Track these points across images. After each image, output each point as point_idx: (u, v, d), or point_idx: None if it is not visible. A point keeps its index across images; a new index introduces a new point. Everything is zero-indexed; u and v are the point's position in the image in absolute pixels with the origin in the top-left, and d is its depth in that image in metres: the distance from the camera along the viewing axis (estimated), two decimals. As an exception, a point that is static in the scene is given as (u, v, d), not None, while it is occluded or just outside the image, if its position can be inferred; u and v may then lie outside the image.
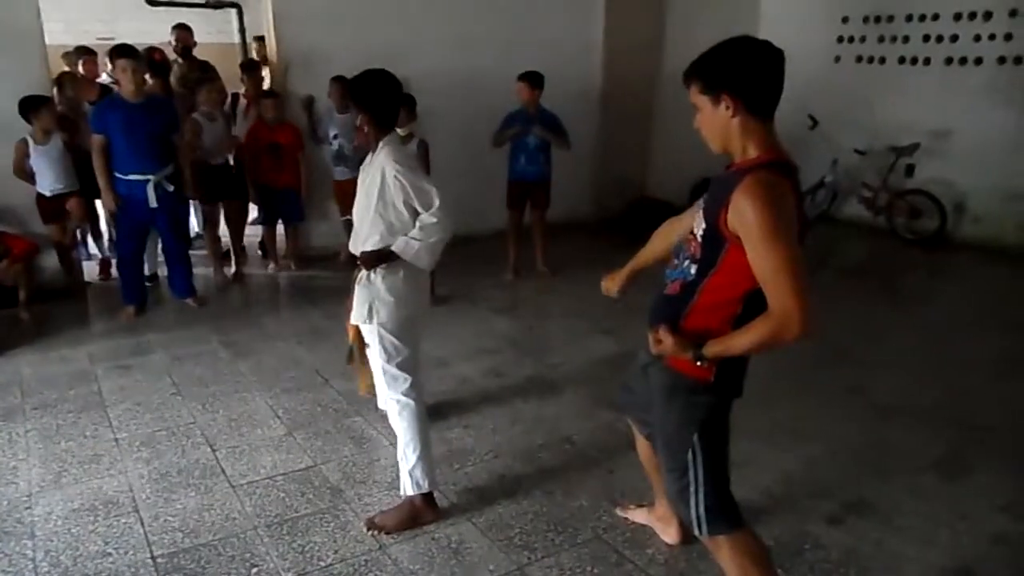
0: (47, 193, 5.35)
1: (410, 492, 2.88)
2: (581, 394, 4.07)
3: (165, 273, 5.66)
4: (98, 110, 5.02)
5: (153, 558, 2.70)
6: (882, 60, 7.46)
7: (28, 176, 5.30)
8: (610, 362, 4.48)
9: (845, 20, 7.71)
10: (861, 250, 7.33)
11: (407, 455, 2.89)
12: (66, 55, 6.88)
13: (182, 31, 6.41)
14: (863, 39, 7.61)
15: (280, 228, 6.44)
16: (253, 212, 6.43)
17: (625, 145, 7.89)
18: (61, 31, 8.48)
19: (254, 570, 2.64)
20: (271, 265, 6.36)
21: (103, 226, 6.21)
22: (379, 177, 2.79)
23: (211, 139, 5.66)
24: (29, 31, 5.34)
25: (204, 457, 3.40)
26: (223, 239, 6.20)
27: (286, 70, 6.40)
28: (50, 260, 5.61)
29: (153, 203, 4.98)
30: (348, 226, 6.45)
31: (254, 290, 6.06)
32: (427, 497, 2.92)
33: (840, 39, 7.79)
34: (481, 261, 6.29)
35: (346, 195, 6.27)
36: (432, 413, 3.73)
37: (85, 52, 6.57)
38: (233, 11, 9.80)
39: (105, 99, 5.29)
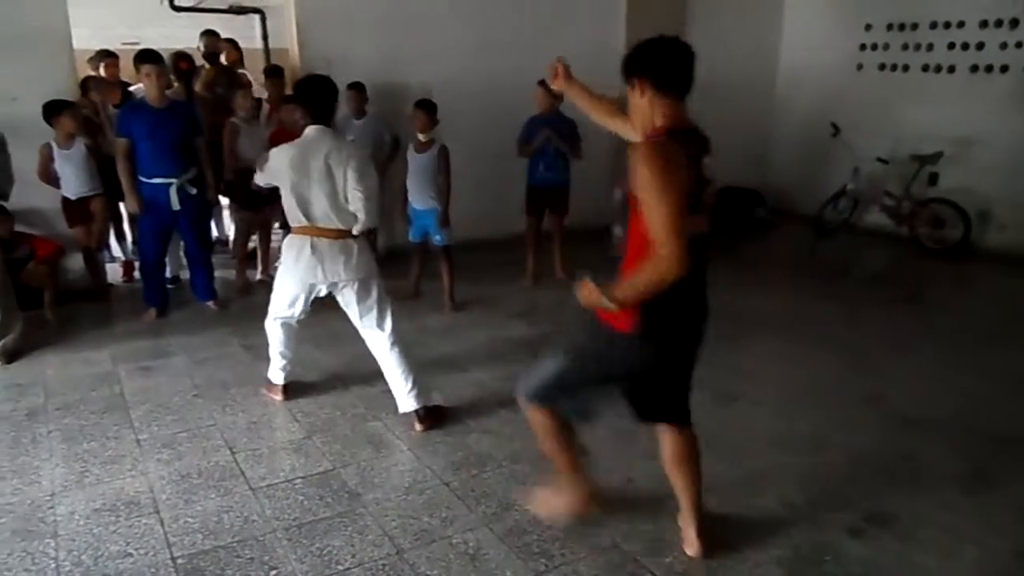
0: (72, 197, 5.42)
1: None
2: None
3: (187, 276, 5.71)
4: (123, 114, 5.09)
5: (173, 559, 2.72)
6: (905, 68, 7.41)
7: (53, 180, 5.38)
8: (629, 369, 4.47)
9: (868, 28, 7.67)
10: (883, 259, 7.28)
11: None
12: (91, 59, 6.98)
13: (210, 37, 6.48)
14: (886, 47, 7.56)
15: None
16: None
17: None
18: (88, 36, 8.60)
19: (273, 572, 2.65)
20: (257, 274, 6.27)
21: (126, 228, 6.27)
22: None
23: (249, 144, 5.70)
24: (58, 35, 5.43)
25: (224, 459, 3.42)
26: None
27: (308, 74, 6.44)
28: (74, 262, 5.68)
29: (176, 206, 5.04)
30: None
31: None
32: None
33: (863, 47, 7.75)
34: (499, 266, 6.30)
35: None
36: (450, 418, 3.80)
37: (107, 55, 6.68)
38: (256, 17, 9.92)
39: (129, 103, 5.36)
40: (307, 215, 3.55)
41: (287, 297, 3.76)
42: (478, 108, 6.71)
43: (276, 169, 3.57)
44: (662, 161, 2.15)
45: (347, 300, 3.69)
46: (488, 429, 3.72)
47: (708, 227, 2.42)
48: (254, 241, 6.25)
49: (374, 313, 3.68)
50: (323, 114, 3.54)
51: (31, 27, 5.31)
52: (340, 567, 2.68)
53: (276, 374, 4.03)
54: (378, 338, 3.70)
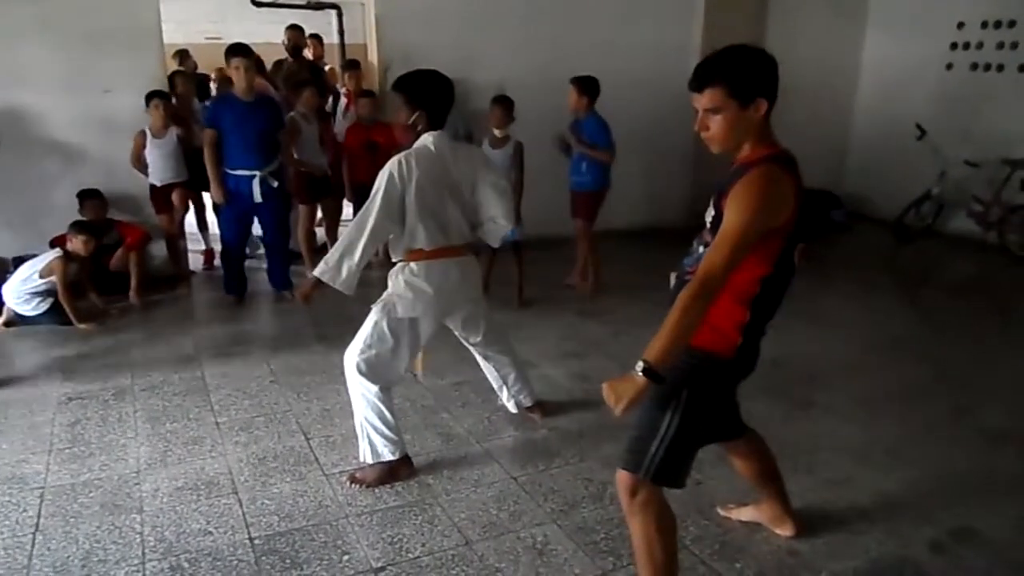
0: (157, 183, 5.64)
1: (369, 460, 3.17)
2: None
3: (265, 266, 5.84)
4: (212, 106, 5.29)
5: (251, 539, 2.81)
6: (1000, 68, 7.09)
7: (143, 167, 5.60)
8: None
9: (960, 26, 7.37)
10: (969, 267, 6.99)
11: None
12: (173, 55, 7.25)
13: (293, 31, 6.63)
14: (980, 45, 7.25)
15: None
16: (347, 209, 6.59)
17: (721, 152, 7.72)
18: (173, 30, 8.93)
19: (345, 557, 2.70)
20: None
21: (209, 218, 6.48)
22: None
23: (304, 141, 5.82)
24: (149, 31, 5.65)
25: (299, 444, 3.51)
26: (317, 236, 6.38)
27: (386, 70, 6.54)
28: (158, 248, 5.90)
29: (258, 198, 5.18)
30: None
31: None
32: (401, 460, 3.20)
33: (954, 45, 7.45)
34: (571, 264, 6.28)
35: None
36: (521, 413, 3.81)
37: (186, 54, 6.91)
38: (333, 12, 10.12)
39: (219, 96, 5.54)
40: (445, 233, 3.13)
41: (414, 345, 3.18)
42: (549, 106, 6.68)
43: (402, 186, 3.00)
44: (770, 187, 1.98)
45: (458, 321, 3.45)
46: (556, 426, 3.72)
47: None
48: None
49: (483, 326, 3.50)
50: (441, 117, 3.14)
51: (124, 22, 5.54)
52: (410, 555, 2.72)
53: (383, 450, 3.18)
54: (488, 346, 3.58)
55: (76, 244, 5.00)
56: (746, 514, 2.93)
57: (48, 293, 4.95)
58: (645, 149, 7.12)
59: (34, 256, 5.08)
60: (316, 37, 7.21)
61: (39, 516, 2.94)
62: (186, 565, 2.66)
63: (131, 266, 5.43)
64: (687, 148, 7.65)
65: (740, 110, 2.01)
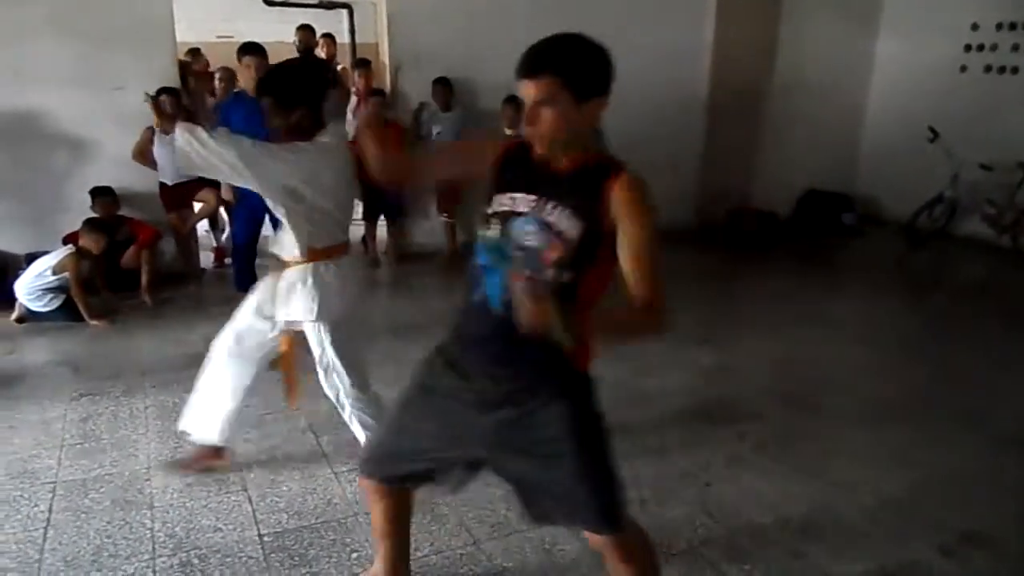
0: (169, 182, 5.67)
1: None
2: (674, 403, 4.01)
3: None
4: (224, 105, 5.29)
5: (260, 536, 2.82)
6: (1015, 70, 7.06)
7: (149, 162, 5.63)
8: (707, 373, 4.41)
9: (975, 27, 7.33)
10: (982, 270, 6.95)
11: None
12: (186, 53, 7.28)
13: (304, 32, 6.65)
14: (995, 47, 7.21)
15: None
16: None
17: (730, 153, 7.71)
18: (184, 28, 8.96)
19: (354, 555, 2.72)
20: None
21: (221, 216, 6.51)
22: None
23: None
24: (162, 27, 5.67)
25: (309, 443, 3.52)
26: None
27: (397, 69, 6.56)
28: (168, 246, 5.93)
29: (269, 198, 5.19)
30: (447, 224, 6.59)
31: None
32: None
33: (968, 47, 7.41)
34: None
35: (448, 194, 6.40)
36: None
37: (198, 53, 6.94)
38: (344, 12, 10.13)
39: (232, 94, 5.56)
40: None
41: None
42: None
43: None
44: (654, 199, 1.82)
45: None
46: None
47: None
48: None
49: None
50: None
51: (138, 19, 5.58)
52: (419, 553, 2.72)
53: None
54: None
55: (88, 241, 5.03)
56: None
57: (60, 290, 4.98)
58: (652, 150, 7.06)
59: (47, 253, 5.11)
60: (329, 36, 7.23)
61: (51, 511, 2.96)
62: (196, 561, 2.68)
63: (142, 263, 5.45)
64: (696, 150, 7.66)
65: (576, 104, 1.77)
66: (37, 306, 4.98)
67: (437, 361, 2.08)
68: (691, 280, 6.41)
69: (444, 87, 6.19)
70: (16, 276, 5.10)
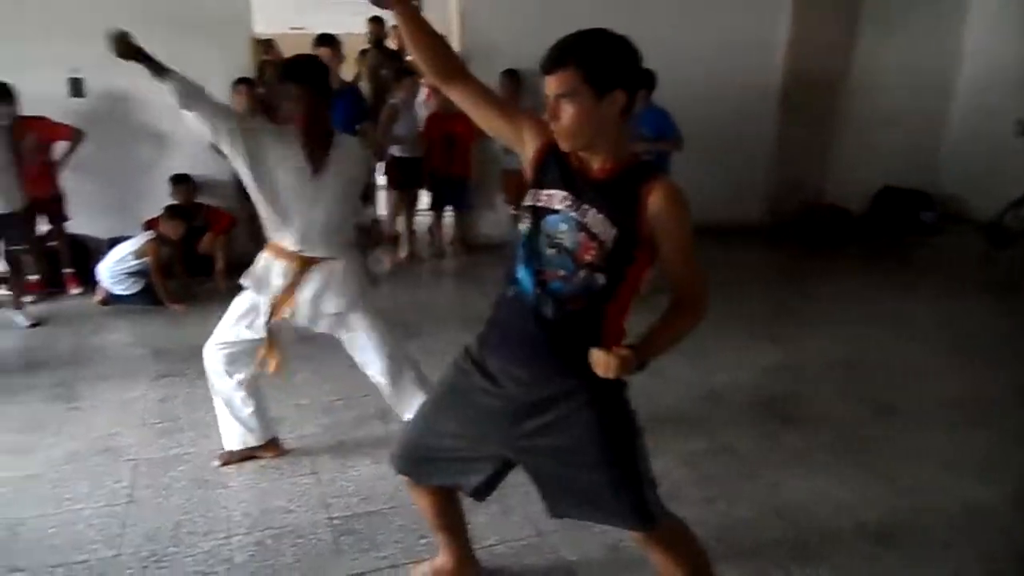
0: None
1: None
2: (743, 401, 3.94)
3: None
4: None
5: (330, 519, 2.88)
6: (1110, 61, 6.69)
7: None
8: (775, 371, 4.32)
9: (1068, 17, 6.97)
10: (1070, 271, 6.64)
11: None
12: (262, 43, 7.45)
13: (375, 24, 6.75)
14: (1089, 38, 6.85)
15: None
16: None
17: (804, 147, 7.50)
18: (258, 21, 9.17)
19: (422, 541, 2.75)
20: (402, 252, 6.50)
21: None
22: (355, 168, 3.03)
23: (405, 128, 5.92)
24: (239, 20, 5.82)
25: (377, 429, 3.58)
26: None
27: (467, 62, 6.58)
28: (242, 233, 6.08)
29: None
30: (514, 215, 6.59)
31: (423, 274, 6.31)
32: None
33: (1060, 38, 7.06)
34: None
35: (516, 185, 6.40)
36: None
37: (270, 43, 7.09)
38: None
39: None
40: None
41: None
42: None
43: None
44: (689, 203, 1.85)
45: None
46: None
47: None
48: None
49: None
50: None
51: (216, 12, 5.73)
52: (485, 543, 2.74)
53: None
54: None
55: (168, 227, 5.21)
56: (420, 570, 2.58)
57: (141, 274, 5.17)
58: (722, 146, 6.97)
59: (128, 238, 5.31)
60: (379, 21, 7.24)
61: (132, 487, 3.08)
62: (269, 541, 2.75)
63: (217, 250, 5.61)
64: (768, 146, 7.49)
65: (596, 101, 1.74)
66: (119, 289, 5.18)
67: (466, 360, 2.08)
68: (762, 277, 6.30)
69: (512, 79, 6.17)
70: (99, 260, 5.32)
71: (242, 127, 2.85)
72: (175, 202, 5.49)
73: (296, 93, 2.80)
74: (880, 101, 7.53)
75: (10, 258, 4.95)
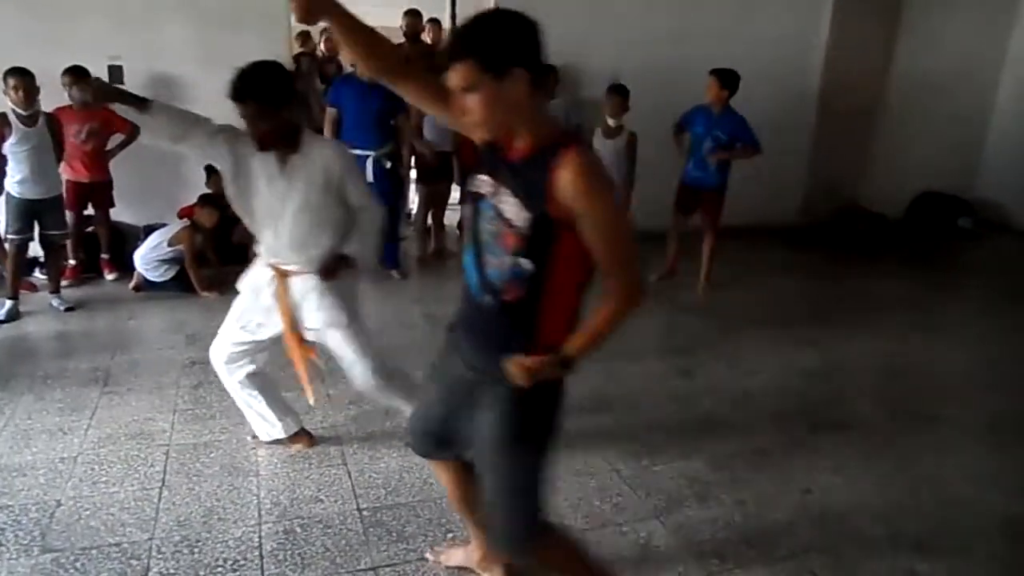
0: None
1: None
2: (777, 405, 3.89)
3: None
4: (335, 85, 5.43)
5: (359, 509, 2.89)
6: None
7: None
8: (812, 375, 4.27)
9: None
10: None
11: None
12: (299, 35, 7.48)
13: (412, 18, 6.72)
14: None
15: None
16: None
17: (841, 149, 7.39)
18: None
19: (449, 535, 2.75)
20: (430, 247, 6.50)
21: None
22: (321, 175, 2.80)
23: (430, 121, 5.92)
24: (277, 12, 5.84)
25: (405, 422, 3.54)
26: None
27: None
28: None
29: (369, 178, 5.28)
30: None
31: (453, 267, 6.30)
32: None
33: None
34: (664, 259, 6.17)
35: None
36: (618, 406, 3.77)
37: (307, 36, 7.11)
38: (447, -3, 10.21)
39: (341, 76, 5.69)
40: None
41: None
42: (665, 97, 6.56)
43: None
44: (606, 173, 1.74)
45: None
46: (659, 422, 3.66)
47: None
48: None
49: None
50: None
51: (256, 4, 5.77)
52: (513, 540, 2.72)
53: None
54: None
55: (202, 216, 5.25)
56: (457, 557, 2.60)
57: (175, 261, 5.22)
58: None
59: (163, 225, 5.36)
60: (435, 22, 7.30)
61: (165, 472, 3.11)
62: (299, 530, 2.76)
63: (249, 240, 5.63)
64: (804, 145, 7.39)
65: (497, 85, 1.66)
66: (153, 276, 5.24)
67: (447, 344, 2.11)
68: (795, 279, 6.22)
69: (549, 74, 6.15)
70: (135, 247, 5.37)
71: (229, 145, 2.83)
72: (210, 191, 5.53)
73: (243, 112, 2.72)
74: (919, 103, 7.41)
75: (46, 243, 5.02)
